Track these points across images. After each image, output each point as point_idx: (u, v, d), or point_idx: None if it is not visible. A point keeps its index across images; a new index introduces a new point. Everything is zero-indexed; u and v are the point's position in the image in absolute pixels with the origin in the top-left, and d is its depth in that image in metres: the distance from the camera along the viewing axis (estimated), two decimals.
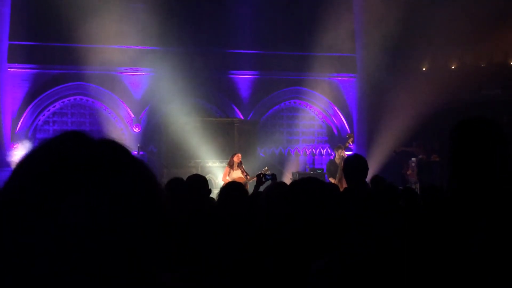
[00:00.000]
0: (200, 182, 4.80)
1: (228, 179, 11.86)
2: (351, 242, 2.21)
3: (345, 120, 18.87)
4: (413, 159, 14.85)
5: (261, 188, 5.93)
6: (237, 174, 11.89)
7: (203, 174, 13.13)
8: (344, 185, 5.93)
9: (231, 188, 4.49)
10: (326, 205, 3.03)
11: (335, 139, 18.72)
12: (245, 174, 11.88)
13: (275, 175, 7.92)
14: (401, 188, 8.13)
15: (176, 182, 5.12)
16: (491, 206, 2.28)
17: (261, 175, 6.59)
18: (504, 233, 2.18)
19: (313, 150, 19.33)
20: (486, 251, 2.15)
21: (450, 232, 2.30)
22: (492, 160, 2.39)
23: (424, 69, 17.84)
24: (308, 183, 3.27)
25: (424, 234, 2.01)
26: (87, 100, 17.48)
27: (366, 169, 4.62)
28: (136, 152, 15.81)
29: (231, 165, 12.13)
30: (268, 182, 6.93)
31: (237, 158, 12.10)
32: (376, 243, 2.01)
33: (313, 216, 3.02)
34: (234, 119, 16.72)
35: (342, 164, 10.65)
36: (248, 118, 17.85)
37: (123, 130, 17.39)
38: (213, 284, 3.13)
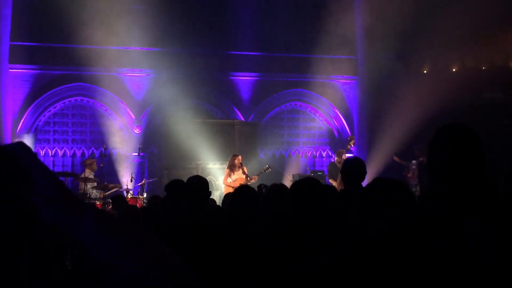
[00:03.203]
0: (201, 184, 4.77)
1: (230, 181, 11.84)
2: (337, 245, 2.21)
3: (346, 122, 18.87)
4: (414, 161, 14.84)
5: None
6: (238, 176, 11.87)
7: (203, 175, 13.12)
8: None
9: (239, 194, 4.44)
10: (321, 207, 3.02)
11: (335, 141, 18.72)
12: (246, 175, 11.85)
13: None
14: None
15: (176, 184, 5.11)
16: (480, 204, 2.31)
17: (262, 186, 6.61)
18: (498, 232, 2.19)
19: (314, 152, 19.34)
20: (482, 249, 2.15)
21: (441, 232, 2.30)
22: (475, 162, 2.47)
23: (425, 71, 17.83)
24: (306, 185, 3.27)
25: (416, 235, 2.01)
26: (88, 101, 17.49)
27: (363, 172, 4.63)
28: (137, 153, 15.83)
29: (231, 168, 12.09)
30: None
31: (237, 161, 12.07)
32: (362, 246, 2.00)
33: (307, 218, 3.02)
34: (235, 120, 16.71)
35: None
36: (249, 120, 17.84)
37: (124, 131, 17.40)
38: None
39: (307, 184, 3.32)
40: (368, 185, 2.23)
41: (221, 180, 14.12)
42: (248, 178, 11.80)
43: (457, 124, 2.64)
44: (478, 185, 2.43)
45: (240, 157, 12.18)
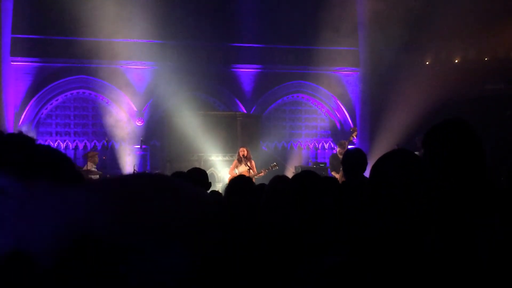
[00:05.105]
0: (200, 175, 4.79)
1: (237, 172, 11.74)
2: (337, 244, 2.20)
3: (348, 114, 18.85)
4: (416, 153, 14.80)
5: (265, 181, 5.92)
6: (243, 169, 11.77)
7: (205, 167, 13.14)
8: None
9: (236, 182, 4.46)
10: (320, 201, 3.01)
11: (338, 133, 18.70)
12: (249, 168, 11.76)
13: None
14: None
15: (177, 175, 5.12)
16: (480, 201, 2.30)
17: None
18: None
19: (316, 144, 19.32)
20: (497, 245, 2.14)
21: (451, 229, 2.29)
22: (476, 158, 2.47)
23: (427, 63, 17.78)
24: (306, 178, 3.27)
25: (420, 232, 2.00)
26: (90, 94, 17.49)
27: (364, 163, 4.63)
28: (139, 146, 15.84)
29: (238, 159, 12.03)
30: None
31: (241, 152, 11.99)
32: (364, 246, 1.99)
33: (309, 212, 3.02)
34: (237, 113, 16.69)
35: None
36: (251, 112, 17.84)
37: (126, 123, 17.39)
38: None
39: (307, 178, 3.32)
40: (379, 163, 2.15)
41: (223, 172, 14.12)
42: (251, 171, 11.71)
43: (455, 119, 2.62)
44: (479, 181, 2.42)
45: (243, 149, 12.03)
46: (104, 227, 0.90)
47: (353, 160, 4.63)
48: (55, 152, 1.08)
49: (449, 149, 2.51)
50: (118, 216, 0.91)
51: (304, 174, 3.46)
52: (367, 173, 4.48)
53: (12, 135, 1.08)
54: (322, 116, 19.41)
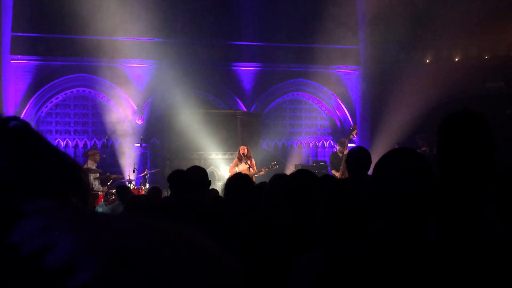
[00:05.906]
0: (199, 173, 4.79)
1: (236, 170, 11.70)
2: (338, 240, 2.19)
3: (348, 112, 18.84)
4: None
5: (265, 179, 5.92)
6: (243, 167, 11.75)
7: (205, 166, 13.13)
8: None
9: (236, 179, 4.46)
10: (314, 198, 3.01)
11: (338, 132, 18.70)
12: (249, 167, 11.75)
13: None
14: None
15: (177, 174, 5.12)
16: (490, 199, 2.27)
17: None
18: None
19: (316, 142, 19.32)
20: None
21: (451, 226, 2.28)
22: (483, 151, 2.42)
23: (427, 61, 17.77)
24: (303, 176, 3.27)
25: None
26: (90, 92, 17.47)
27: (368, 161, 4.62)
28: (139, 144, 15.84)
29: (239, 157, 12.03)
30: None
31: (241, 151, 11.98)
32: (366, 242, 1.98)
33: (305, 209, 3.02)
34: (237, 111, 16.68)
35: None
36: (251, 110, 17.83)
37: (126, 122, 17.38)
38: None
39: (304, 177, 3.32)
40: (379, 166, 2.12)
41: (223, 171, 14.12)
42: (251, 170, 11.70)
43: (461, 114, 2.56)
44: (488, 179, 2.38)
45: (243, 147, 12.02)
46: (139, 253, 0.88)
47: (355, 159, 4.63)
48: (73, 168, 1.08)
49: (458, 147, 2.47)
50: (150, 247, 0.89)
51: (300, 173, 3.46)
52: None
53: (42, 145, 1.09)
54: (322, 114, 19.40)
